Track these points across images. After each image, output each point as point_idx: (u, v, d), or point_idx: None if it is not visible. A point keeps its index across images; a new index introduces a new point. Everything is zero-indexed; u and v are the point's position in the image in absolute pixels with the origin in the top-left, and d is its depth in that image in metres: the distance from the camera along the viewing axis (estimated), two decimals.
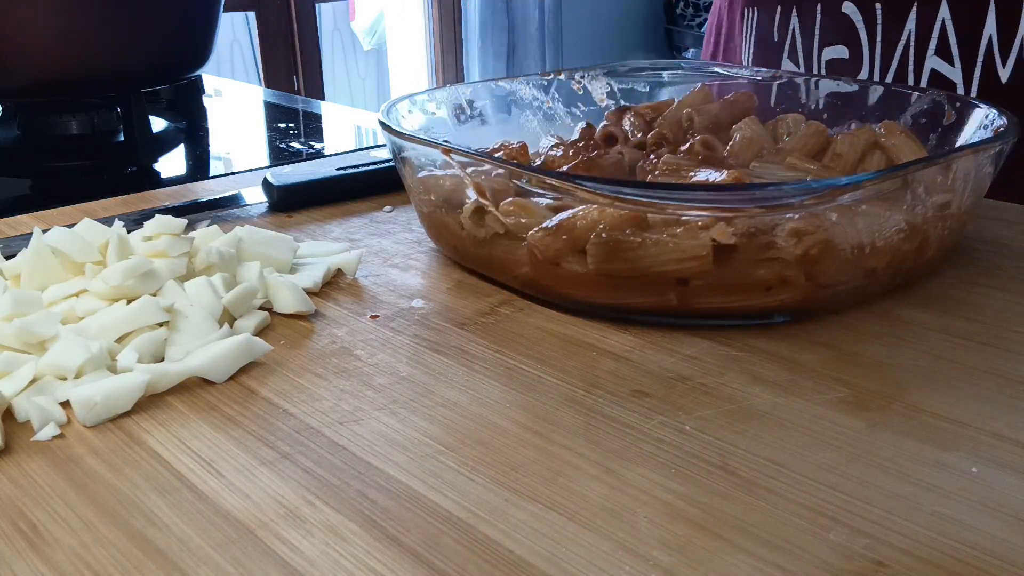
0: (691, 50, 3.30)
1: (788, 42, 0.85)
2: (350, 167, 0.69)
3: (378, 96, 3.59)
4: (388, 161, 0.69)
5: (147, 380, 0.40)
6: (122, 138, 0.87)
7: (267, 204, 0.67)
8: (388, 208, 0.66)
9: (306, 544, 0.31)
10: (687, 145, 0.57)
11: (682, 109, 0.64)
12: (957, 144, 0.57)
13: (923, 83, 0.75)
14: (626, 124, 0.64)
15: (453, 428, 0.38)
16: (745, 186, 0.47)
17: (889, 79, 0.77)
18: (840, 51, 0.79)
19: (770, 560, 0.30)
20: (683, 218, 0.45)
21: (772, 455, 0.36)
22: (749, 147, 0.57)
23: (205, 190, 0.72)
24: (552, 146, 0.60)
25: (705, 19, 3.35)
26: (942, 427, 0.38)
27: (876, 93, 0.64)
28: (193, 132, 0.95)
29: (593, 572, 0.30)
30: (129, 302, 0.45)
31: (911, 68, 0.72)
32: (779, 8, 0.85)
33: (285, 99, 1.15)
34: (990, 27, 0.69)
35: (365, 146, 0.89)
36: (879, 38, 0.77)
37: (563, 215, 0.47)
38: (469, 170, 0.50)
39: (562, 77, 0.71)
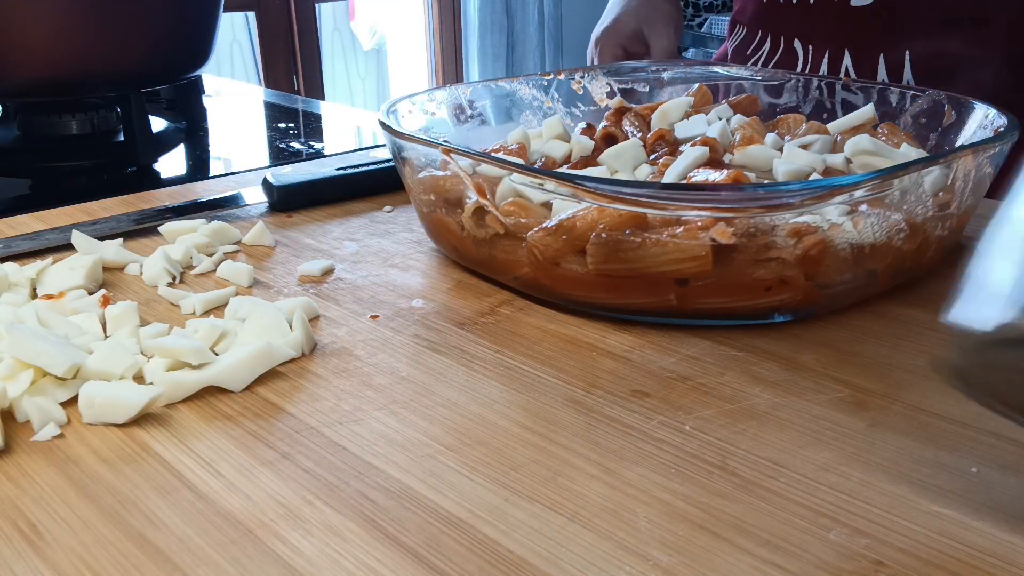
0: (690, 50, 3.29)
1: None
2: (350, 167, 0.69)
3: (378, 96, 3.58)
4: (388, 161, 0.69)
5: (152, 397, 0.39)
6: (122, 138, 0.87)
7: (267, 204, 0.67)
8: (388, 208, 0.66)
9: (306, 544, 0.31)
10: (687, 145, 0.57)
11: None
12: (957, 144, 0.57)
13: None
14: (626, 124, 0.64)
15: (453, 428, 0.38)
16: (745, 186, 0.47)
17: None
18: None
19: (770, 560, 0.30)
20: (683, 218, 0.45)
21: (772, 455, 0.36)
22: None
23: (205, 190, 0.72)
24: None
25: (705, 19, 3.35)
26: (942, 427, 0.38)
27: (876, 94, 0.64)
28: (193, 132, 0.95)
29: (593, 572, 0.30)
30: None
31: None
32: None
33: (285, 99, 1.15)
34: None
35: (365, 146, 0.89)
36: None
37: (563, 215, 0.47)
38: (469, 170, 0.50)
39: (562, 77, 0.71)
